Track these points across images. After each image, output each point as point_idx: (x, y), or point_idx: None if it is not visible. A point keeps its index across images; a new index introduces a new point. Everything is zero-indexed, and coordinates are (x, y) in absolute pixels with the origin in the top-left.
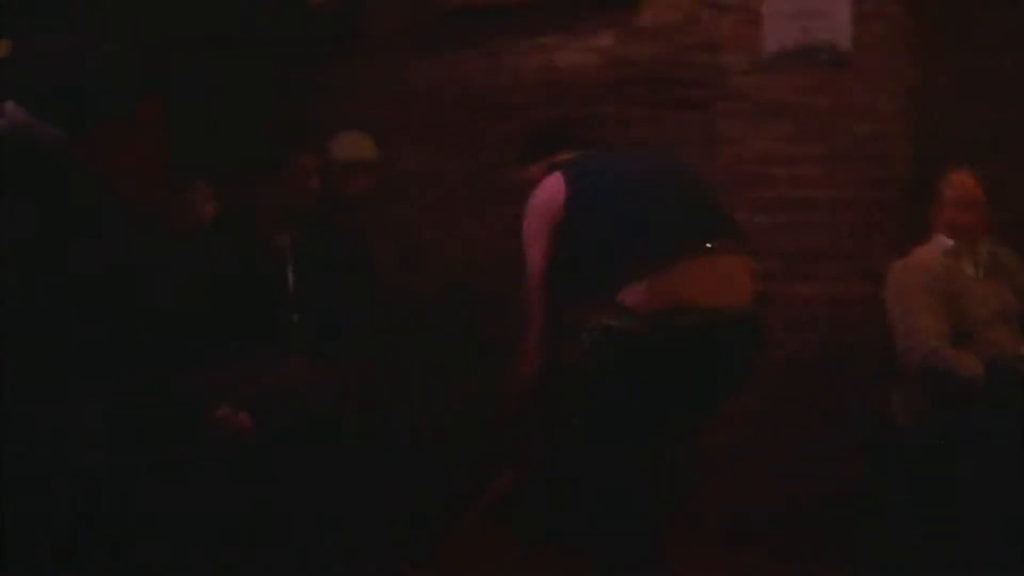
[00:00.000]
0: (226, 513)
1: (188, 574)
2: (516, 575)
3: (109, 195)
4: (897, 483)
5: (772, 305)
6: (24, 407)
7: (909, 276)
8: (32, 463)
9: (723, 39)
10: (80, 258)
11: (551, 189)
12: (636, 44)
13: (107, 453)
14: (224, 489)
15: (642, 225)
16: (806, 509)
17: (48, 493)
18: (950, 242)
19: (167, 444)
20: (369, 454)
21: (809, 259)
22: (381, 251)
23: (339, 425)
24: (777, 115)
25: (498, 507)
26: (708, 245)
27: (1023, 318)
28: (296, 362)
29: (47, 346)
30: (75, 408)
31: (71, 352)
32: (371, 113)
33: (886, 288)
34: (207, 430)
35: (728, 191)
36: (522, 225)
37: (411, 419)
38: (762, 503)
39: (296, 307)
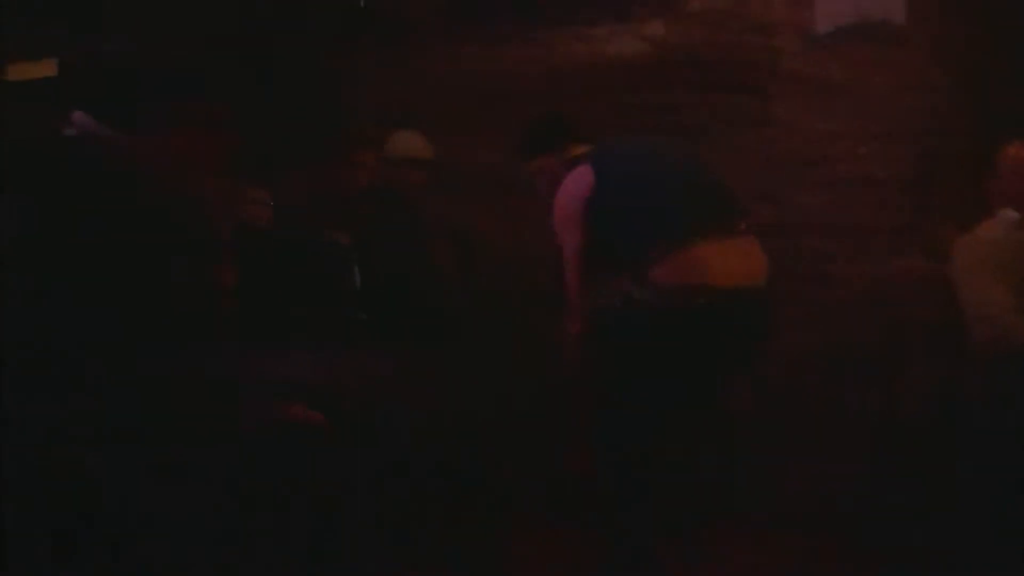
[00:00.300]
0: (293, 507)
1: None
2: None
3: (172, 196)
4: (965, 458)
5: (829, 284)
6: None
7: (976, 251)
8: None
9: (775, 20)
10: (143, 259)
11: (580, 180)
12: (687, 30)
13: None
14: (291, 483)
15: (663, 209)
16: (869, 493)
17: (91, 487)
18: (1015, 215)
19: (234, 440)
20: (430, 448)
21: (869, 237)
22: (438, 245)
23: (401, 419)
24: (832, 94)
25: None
26: (723, 226)
27: None
28: (361, 358)
29: (105, 341)
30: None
31: (131, 347)
32: (422, 105)
33: (952, 265)
34: (275, 426)
35: (785, 172)
36: (554, 213)
37: (471, 414)
38: (822, 488)
39: (361, 304)
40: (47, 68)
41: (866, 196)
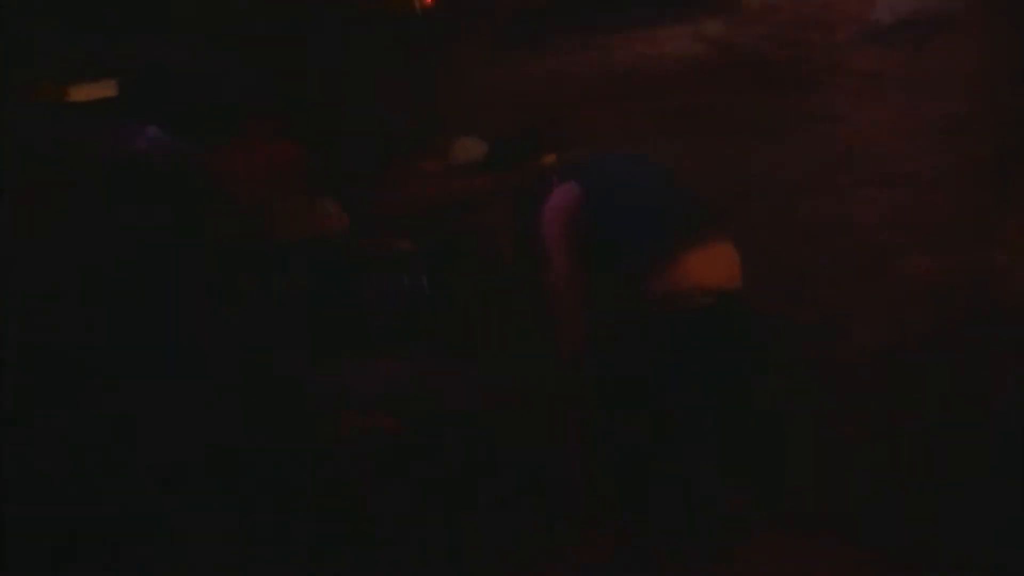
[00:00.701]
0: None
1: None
2: None
3: (244, 206)
4: None
5: (898, 280)
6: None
7: None
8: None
9: (834, 15)
10: (216, 269)
11: (568, 195)
12: (746, 28)
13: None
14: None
15: (650, 220)
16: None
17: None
18: None
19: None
20: (507, 455)
21: (930, 231)
22: (503, 252)
23: (476, 427)
24: (894, 88)
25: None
26: (704, 233)
27: None
28: (432, 365)
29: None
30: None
31: (206, 352)
32: (484, 112)
33: None
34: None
35: (844, 168)
36: (542, 229)
37: (547, 419)
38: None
39: (431, 311)
40: (107, 88)
41: (932, 189)
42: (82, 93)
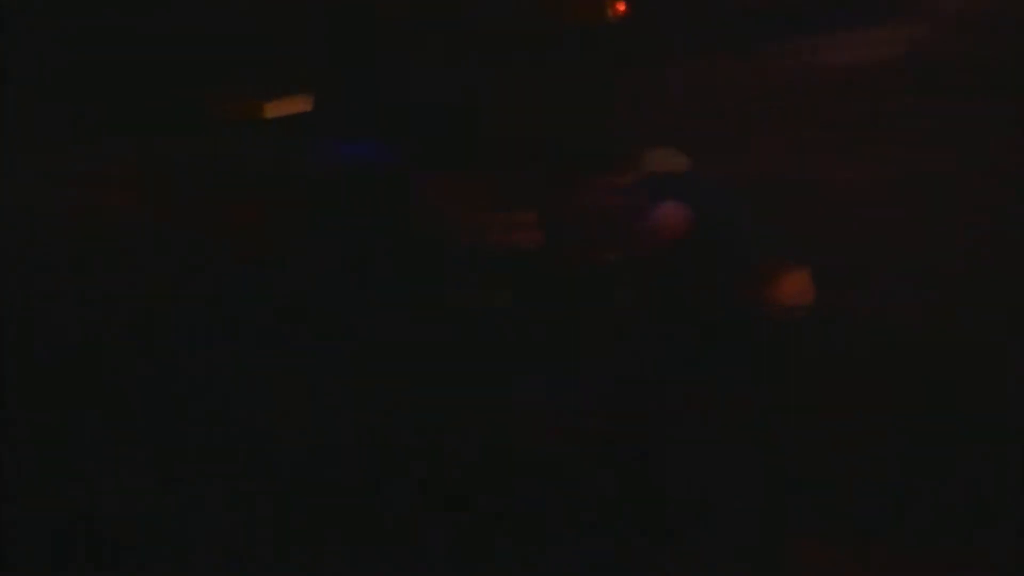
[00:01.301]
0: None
1: None
2: None
3: (446, 230)
4: None
5: None
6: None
7: None
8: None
9: None
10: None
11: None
12: (946, 32)
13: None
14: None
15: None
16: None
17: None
18: None
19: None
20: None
21: None
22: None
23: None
24: None
25: None
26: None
27: None
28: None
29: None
30: None
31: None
32: (678, 121)
33: None
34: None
35: None
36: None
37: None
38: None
39: (630, 323)
40: (302, 103)
41: None
42: (277, 109)
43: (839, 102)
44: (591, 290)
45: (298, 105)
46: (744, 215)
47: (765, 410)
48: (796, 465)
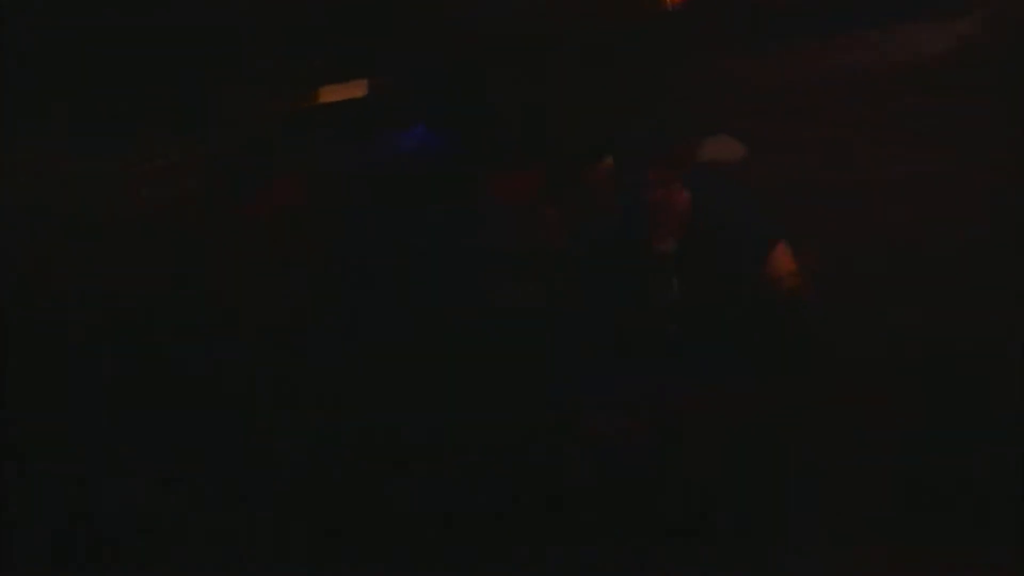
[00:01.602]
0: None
1: None
2: None
3: (506, 214)
4: None
5: None
6: None
7: None
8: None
9: None
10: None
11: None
12: (1003, 27)
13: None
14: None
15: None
16: None
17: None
18: None
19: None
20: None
21: None
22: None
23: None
24: None
25: None
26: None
27: None
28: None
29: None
30: None
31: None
32: (730, 113)
33: None
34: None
35: None
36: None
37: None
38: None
39: (678, 319)
40: (357, 89)
41: None
42: (331, 94)
43: (888, 98)
44: (649, 281)
45: (356, 93)
46: (755, 209)
47: (772, 409)
48: (800, 465)
